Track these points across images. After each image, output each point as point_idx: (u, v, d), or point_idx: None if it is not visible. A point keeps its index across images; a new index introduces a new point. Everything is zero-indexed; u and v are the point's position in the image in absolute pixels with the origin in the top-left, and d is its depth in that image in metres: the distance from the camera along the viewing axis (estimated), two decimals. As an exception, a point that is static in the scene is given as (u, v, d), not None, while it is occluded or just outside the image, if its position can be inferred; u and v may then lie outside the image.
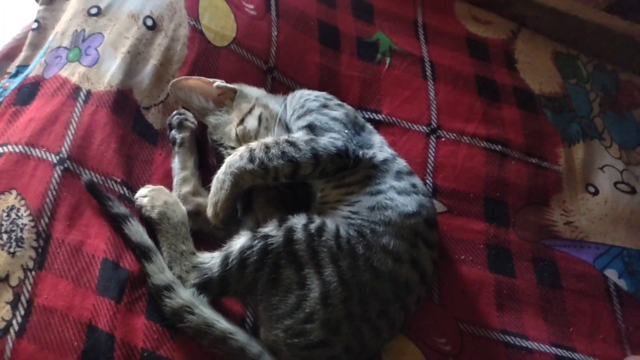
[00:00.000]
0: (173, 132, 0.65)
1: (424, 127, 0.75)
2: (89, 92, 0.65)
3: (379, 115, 0.76)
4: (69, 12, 0.73)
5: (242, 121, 0.61)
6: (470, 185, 0.72)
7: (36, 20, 0.77)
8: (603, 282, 0.70)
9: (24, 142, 0.60)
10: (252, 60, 0.74)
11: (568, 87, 0.85)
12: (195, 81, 0.64)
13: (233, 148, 0.60)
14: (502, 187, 0.72)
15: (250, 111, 0.61)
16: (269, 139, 0.58)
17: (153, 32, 0.71)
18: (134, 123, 0.66)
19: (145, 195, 0.59)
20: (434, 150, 0.73)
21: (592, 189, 0.76)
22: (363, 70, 0.78)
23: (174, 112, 0.67)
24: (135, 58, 0.69)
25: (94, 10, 0.72)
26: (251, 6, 0.77)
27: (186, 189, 0.62)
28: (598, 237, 0.72)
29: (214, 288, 0.54)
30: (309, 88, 0.75)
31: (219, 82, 0.64)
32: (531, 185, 0.74)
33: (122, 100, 0.65)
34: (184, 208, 0.60)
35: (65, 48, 0.69)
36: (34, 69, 0.69)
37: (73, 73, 0.67)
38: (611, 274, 0.70)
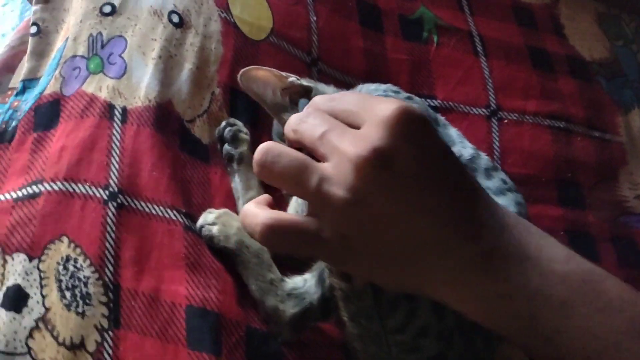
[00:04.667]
0: (227, 147, 0.58)
1: (484, 110, 0.70)
2: (124, 110, 0.56)
3: (434, 101, 0.70)
4: (78, 12, 0.62)
5: None
6: (540, 168, 0.68)
7: (34, 24, 0.66)
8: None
9: (62, 177, 0.52)
10: (295, 53, 0.66)
11: (616, 50, 0.81)
12: (264, 72, 0.55)
13: None
14: (572, 167, 0.69)
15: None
16: None
17: (182, 30, 0.62)
18: (180, 140, 0.58)
19: (213, 222, 0.52)
20: (497, 134, 0.69)
21: (655, 158, 0.74)
22: (410, 52, 0.72)
23: (223, 123, 0.59)
24: (168, 63, 0.60)
25: (107, 9, 0.62)
26: (284, -11, 0.69)
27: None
28: (671, 208, 0.70)
29: (315, 313, 0.49)
30: (356, 77, 0.69)
31: (293, 78, 0.55)
32: (599, 161, 0.71)
33: (163, 116, 0.57)
34: (258, 233, 0.53)
35: (83, 57, 0.60)
36: (48, 85, 0.59)
37: (100, 87, 0.57)
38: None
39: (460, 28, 0.74)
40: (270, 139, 0.62)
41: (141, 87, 0.58)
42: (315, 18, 0.68)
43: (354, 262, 0.36)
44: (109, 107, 0.56)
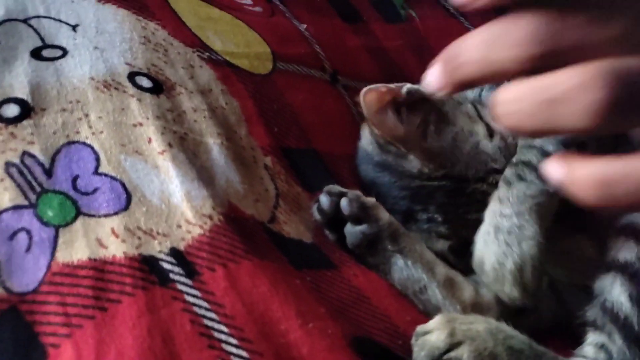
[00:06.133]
0: (360, 228, 0.34)
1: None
2: (178, 255, 0.29)
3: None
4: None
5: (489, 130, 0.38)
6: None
7: None
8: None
9: None
10: (311, 74, 0.47)
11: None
12: (374, 94, 0.36)
13: (481, 180, 0.37)
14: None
15: (479, 115, 0.38)
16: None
17: (167, 95, 0.36)
18: (283, 254, 0.33)
19: (450, 345, 0.30)
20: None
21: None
22: (402, 35, 0.59)
23: (323, 199, 0.36)
24: (186, 148, 0.34)
25: (12, 111, 0.32)
26: (248, 1, 0.48)
27: (468, 292, 0.35)
28: None
29: None
30: (374, 81, 0.53)
31: (407, 86, 0.37)
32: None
33: (244, 230, 0.32)
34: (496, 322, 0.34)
35: (19, 207, 0.30)
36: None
37: (98, 240, 0.29)
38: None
39: (422, -7, 0.65)
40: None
41: (177, 203, 0.31)
42: (305, 26, 0.49)
43: None
44: (148, 264, 0.28)
